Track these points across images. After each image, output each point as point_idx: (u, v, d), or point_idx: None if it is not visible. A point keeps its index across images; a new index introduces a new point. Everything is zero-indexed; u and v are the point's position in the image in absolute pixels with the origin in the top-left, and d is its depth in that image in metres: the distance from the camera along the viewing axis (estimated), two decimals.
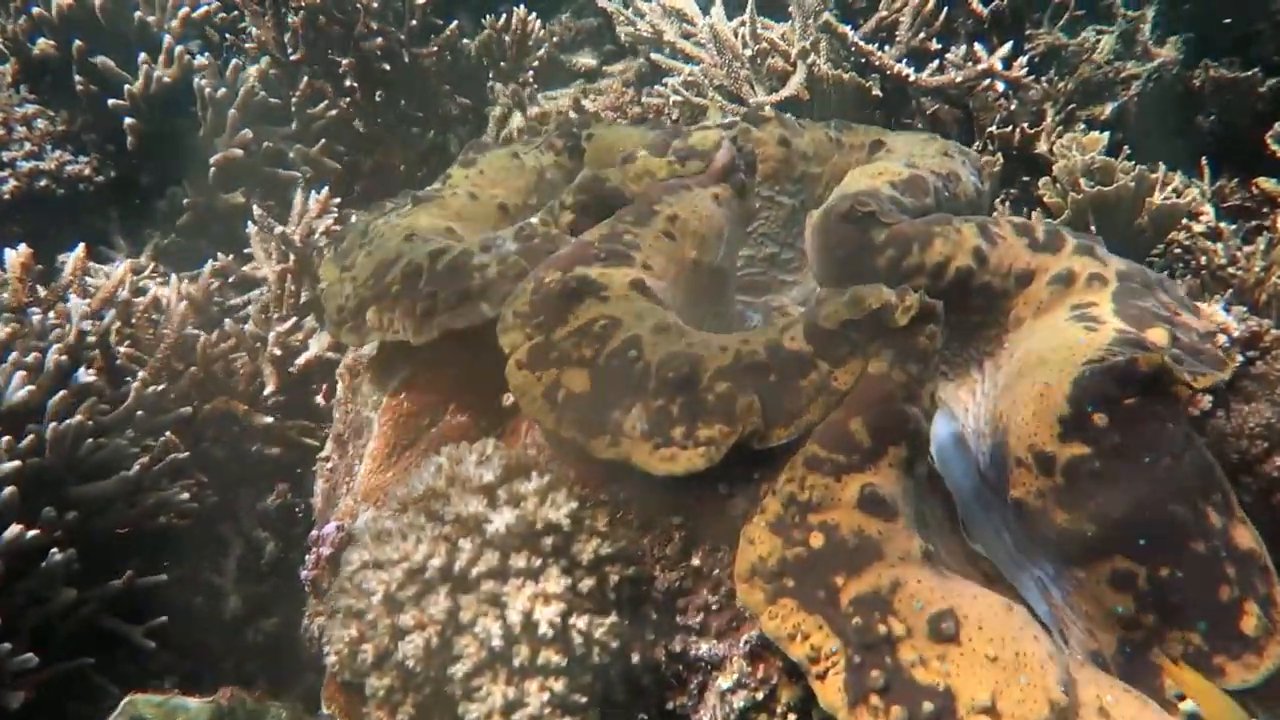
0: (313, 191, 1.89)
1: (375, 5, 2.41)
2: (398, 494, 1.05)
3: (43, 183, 1.88)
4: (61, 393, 1.13)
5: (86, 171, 1.95)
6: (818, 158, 1.48)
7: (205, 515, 1.45)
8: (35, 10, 1.94)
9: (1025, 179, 2.01)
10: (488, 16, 2.73)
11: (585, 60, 2.86)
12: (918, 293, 1.01)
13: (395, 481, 1.21)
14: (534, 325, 1.07)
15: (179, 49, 2.06)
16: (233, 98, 2.13)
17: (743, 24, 2.16)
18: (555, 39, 2.86)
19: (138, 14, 2.05)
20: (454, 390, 1.24)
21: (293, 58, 2.46)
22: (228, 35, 2.49)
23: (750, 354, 1.00)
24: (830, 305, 1.00)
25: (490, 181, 1.49)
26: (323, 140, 2.42)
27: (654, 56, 2.29)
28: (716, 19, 2.20)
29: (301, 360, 1.70)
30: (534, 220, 1.27)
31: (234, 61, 2.19)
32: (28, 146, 1.87)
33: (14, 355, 1.14)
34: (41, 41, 1.98)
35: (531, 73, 2.73)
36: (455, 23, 2.59)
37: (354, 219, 1.65)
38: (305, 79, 2.46)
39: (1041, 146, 1.95)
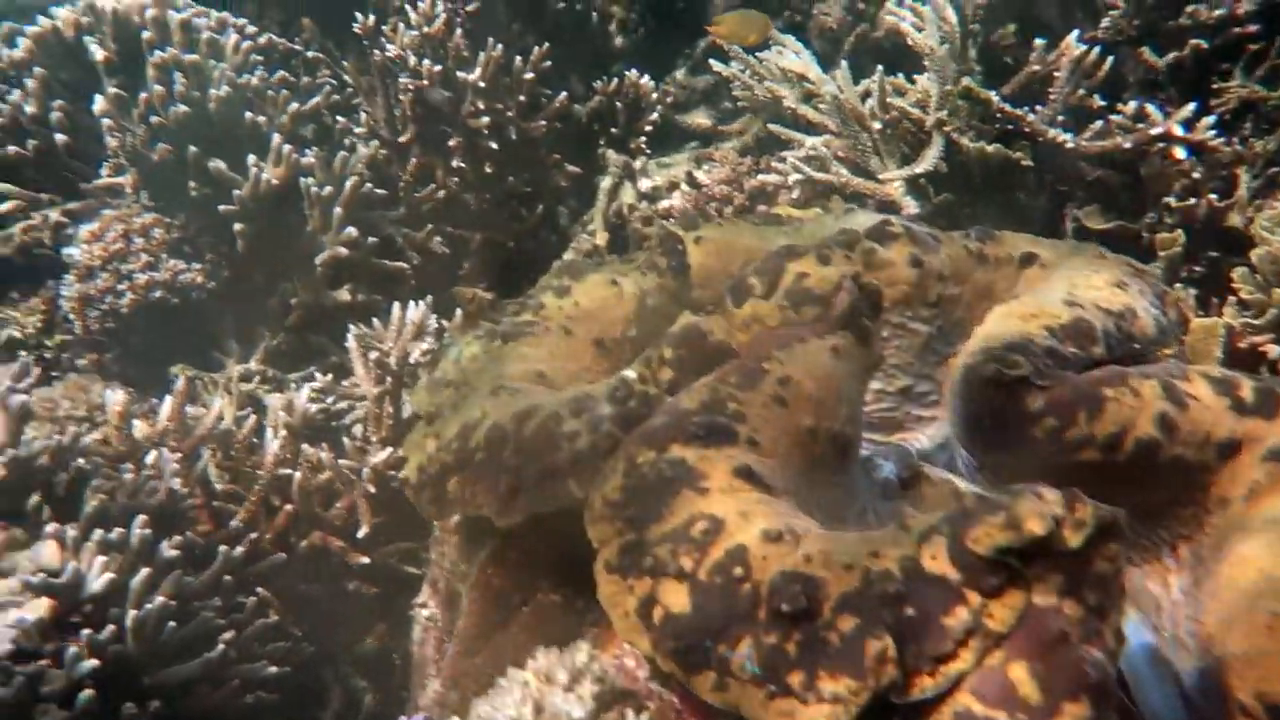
0: (411, 304, 1.84)
1: (483, 85, 2.36)
2: (480, 715, 0.95)
3: (158, 294, 1.91)
4: (145, 572, 1.11)
5: (199, 279, 1.98)
6: (956, 276, 1.30)
7: (301, 664, 1.41)
8: (154, 119, 1.97)
9: (1213, 255, 1.74)
10: (600, 81, 2.64)
11: (700, 120, 2.74)
12: (1091, 503, 0.83)
13: (485, 666, 1.12)
14: (625, 519, 0.95)
15: (287, 148, 2.06)
16: (339, 193, 2.12)
17: (869, 92, 1.98)
18: (669, 99, 2.75)
19: (249, 115, 2.06)
20: (547, 566, 1.14)
21: (401, 139, 2.45)
22: (339, 118, 2.51)
23: (881, 576, 0.84)
24: (981, 526, 0.83)
25: (586, 314, 1.38)
26: (430, 226, 2.40)
27: (772, 127, 2.14)
28: (841, 83, 2.03)
29: (401, 474, 1.65)
30: (630, 374, 1.15)
31: (340, 154, 2.18)
32: (145, 258, 1.90)
33: (97, 534, 1.12)
34: (160, 147, 2.02)
35: (644, 138, 2.63)
36: (564, 95, 2.52)
37: (448, 338, 1.58)
38: (414, 160, 2.45)
39: (1235, 220, 1.68)
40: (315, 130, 2.48)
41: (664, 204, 2.42)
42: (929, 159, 1.88)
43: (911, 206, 1.96)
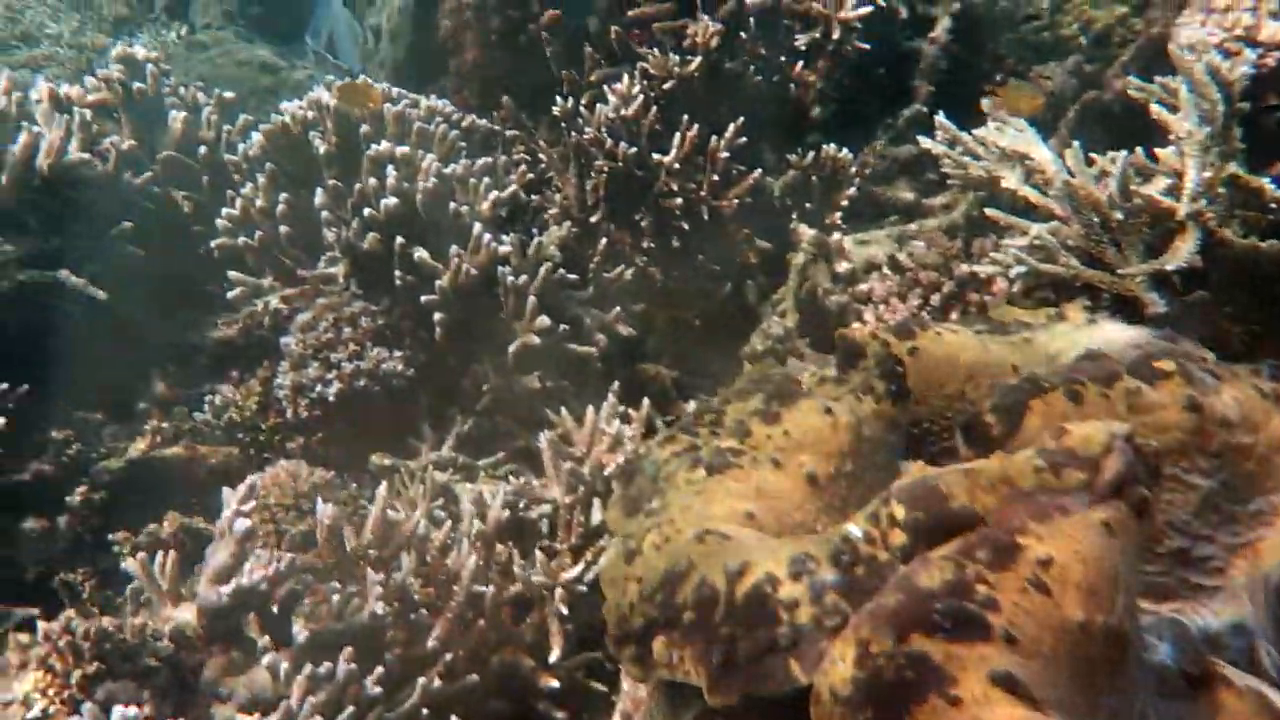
0: (605, 403, 1.80)
1: (677, 166, 2.34)
2: None
3: (362, 382, 1.98)
4: (350, 711, 1.11)
5: (399, 366, 2.03)
6: (1245, 423, 1.11)
7: None
8: (367, 211, 2.06)
9: None
10: (794, 154, 2.56)
11: (902, 194, 2.59)
12: None
13: None
14: None
15: (486, 237, 2.10)
16: (532, 280, 2.14)
17: (1104, 171, 1.78)
18: (868, 170, 2.63)
19: (453, 205, 2.12)
20: None
21: (593, 219, 2.46)
22: (534, 195, 2.55)
23: None
24: None
25: (796, 444, 1.29)
26: (617, 309, 2.38)
27: (990, 212, 1.97)
28: (1073, 166, 1.84)
29: (590, 575, 1.61)
30: (855, 532, 1.04)
31: (536, 241, 2.20)
32: (351, 347, 1.97)
33: (307, 669, 1.13)
34: (371, 237, 2.10)
35: (840, 214, 2.52)
36: (759, 172, 2.46)
37: (644, 450, 1.52)
38: (604, 240, 2.45)
39: None
40: (510, 209, 2.55)
41: (862, 287, 2.30)
42: (1182, 253, 1.66)
43: (1157, 304, 1.74)
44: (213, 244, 2.19)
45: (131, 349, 2.20)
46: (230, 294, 2.17)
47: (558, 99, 2.50)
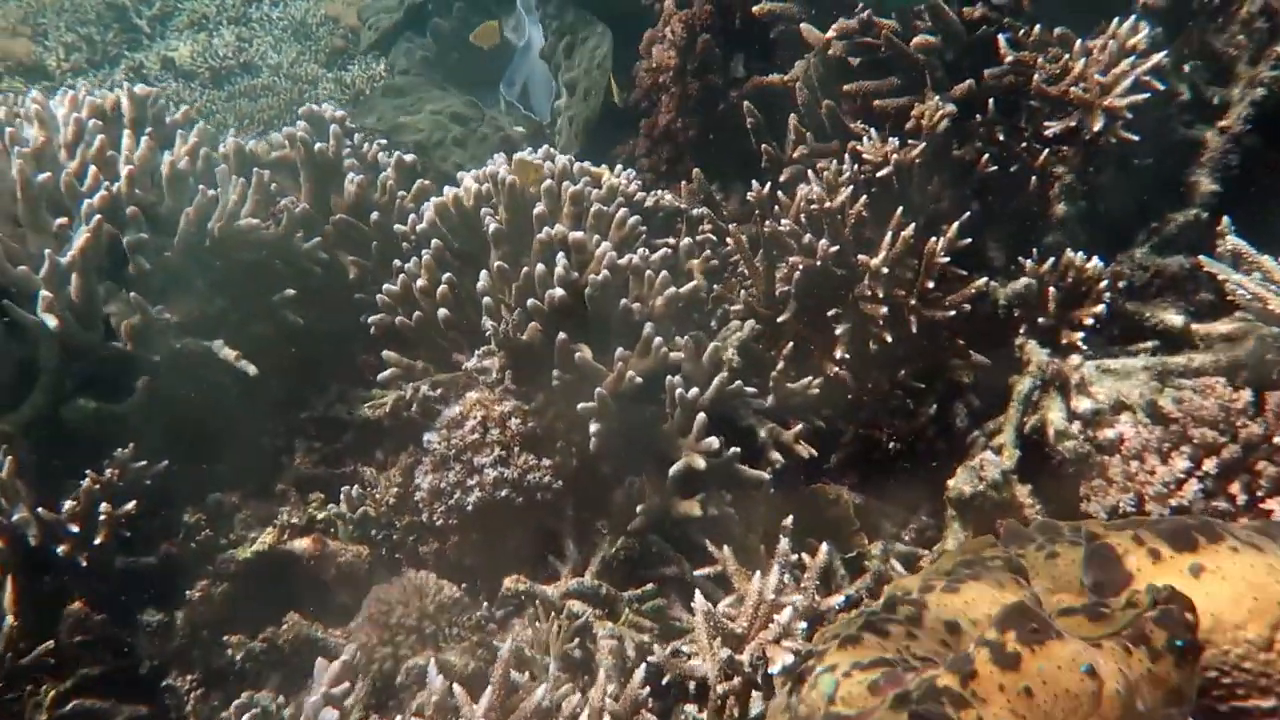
0: (773, 572, 1.54)
1: (885, 270, 2.05)
2: None
3: (504, 493, 1.81)
4: None
5: (547, 478, 1.85)
6: None
7: None
8: (530, 302, 1.90)
9: None
10: (1029, 258, 2.20)
11: (1165, 317, 2.17)
12: None
13: None
14: None
15: (657, 340, 1.89)
16: (704, 391, 1.91)
17: None
18: (1121, 283, 2.22)
19: (624, 302, 1.93)
20: None
21: (780, 318, 2.21)
22: (714, 286, 2.33)
23: None
24: None
25: (1043, 713, 0.97)
26: (800, 426, 2.11)
27: None
28: None
29: None
30: None
31: (713, 346, 1.97)
32: (497, 451, 1.82)
33: None
34: (531, 327, 1.94)
35: (1082, 334, 2.14)
36: (984, 281, 2.13)
37: (819, 647, 1.25)
38: (791, 344, 2.19)
39: None
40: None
41: (1108, 433, 1.91)
42: None
43: None
44: (370, 320, 2.10)
45: (279, 419, 2.15)
46: (381, 376, 2.07)
47: (754, 183, 2.27)
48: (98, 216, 1.77)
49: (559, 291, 1.92)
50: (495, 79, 3.53)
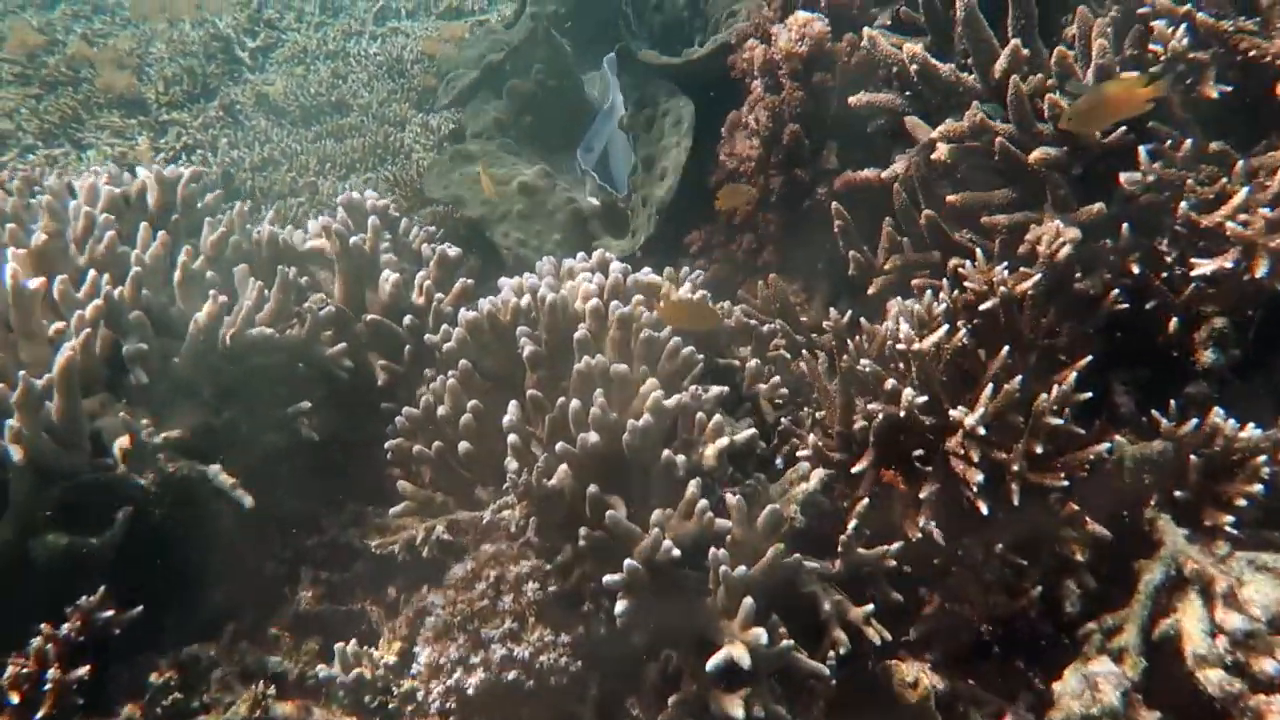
0: None
1: (984, 430, 1.73)
2: None
3: (513, 675, 1.57)
4: None
5: (563, 660, 1.61)
6: None
7: None
8: (559, 445, 1.67)
9: None
10: (1166, 416, 1.85)
11: None
12: None
13: None
14: None
15: (702, 503, 1.63)
16: (754, 564, 1.64)
17: None
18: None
19: (665, 452, 1.68)
20: None
21: (854, 468, 1.91)
22: (783, 420, 2.05)
23: None
24: None
25: None
26: (870, 606, 1.81)
27: None
28: None
29: None
30: None
31: (770, 511, 1.69)
32: (509, 623, 1.59)
33: None
34: (561, 472, 1.71)
35: (1230, 518, 1.77)
36: (1105, 448, 1.79)
37: None
38: (864, 501, 1.89)
39: None
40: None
41: (1266, 668, 1.54)
42: None
43: None
44: (387, 445, 1.90)
45: (285, 543, 1.97)
46: (394, 511, 1.87)
47: (832, 311, 1.99)
48: (86, 331, 1.63)
49: (593, 437, 1.68)
50: (573, 143, 3.34)
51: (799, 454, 1.96)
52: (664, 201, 2.80)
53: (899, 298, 2.22)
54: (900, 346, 1.80)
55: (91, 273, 1.71)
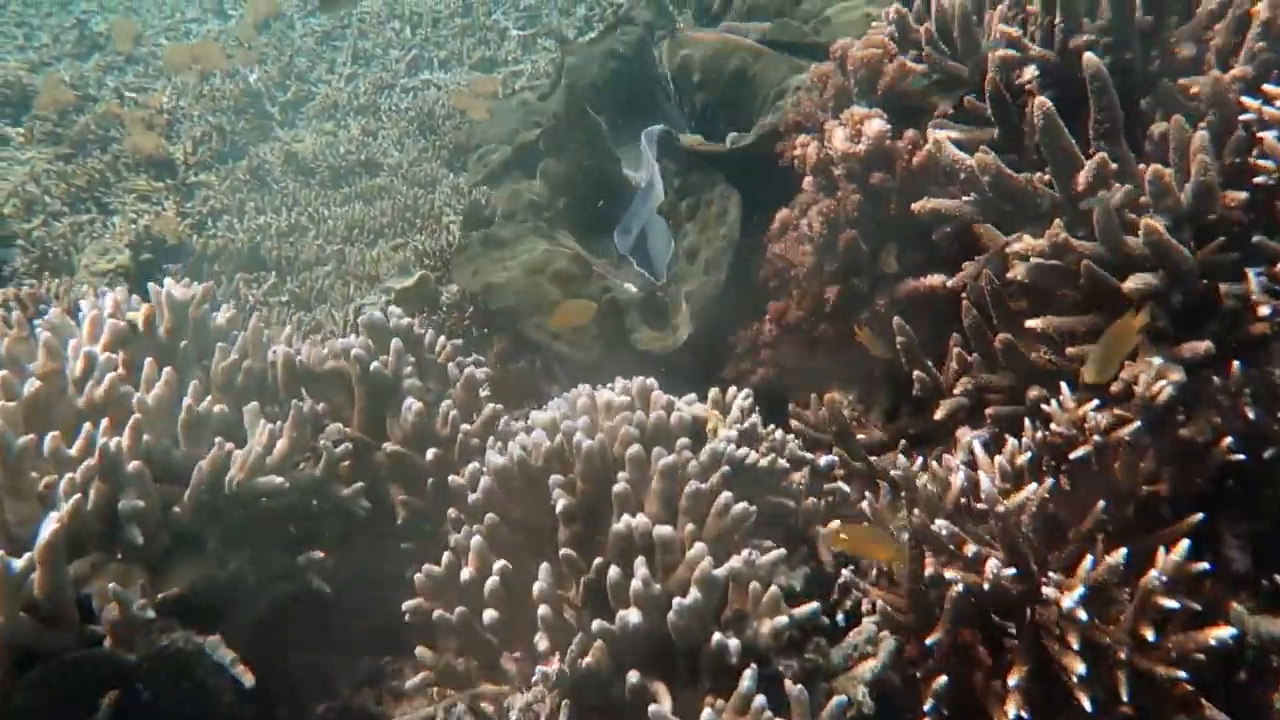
0: None
1: (1080, 615, 1.53)
2: None
3: None
4: None
5: None
6: None
7: None
8: (596, 624, 1.50)
9: None
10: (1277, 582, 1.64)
11: None
12: None
13: None
14: None
15: (758, 701, 1.45)
16: None
17: None
18: None
19: (717, 635, 1.50)
20: None
21: (928, 637, 1.71)
22: (844, 571, 1.86)
23: None
24: None
25: None
26: None
27: None
28: None
29: None
30: None
31: (836, 702, 1.50)
32: None
33: None
34: (596, 650, 1.54)
35: None
36: (1228, 633, 1.58)
37: None
38: (940, 674, 1.69)
39: None
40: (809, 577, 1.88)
41: None
42: None
43: None
44: (405, 607, 1.74)
45: (292, 709, 1.81)
46: (410, 683, 1.70)
47: (901, 460, 1.81)
48: (76, 497, 1.49)
49: (635, 617, 1.50)
50: (609, 225, 3.20)
51: (863, 610, 1.77)
52: (707, 299, 2.64)
53: (968, 428, 2.04)
54: (981, 505, 1.61)
55: (86, 427, 1.57)
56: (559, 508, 1.67)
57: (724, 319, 2.70)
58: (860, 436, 2.28)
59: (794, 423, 2.26)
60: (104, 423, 1.63)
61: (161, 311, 1.91)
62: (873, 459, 2.18)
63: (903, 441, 2.23)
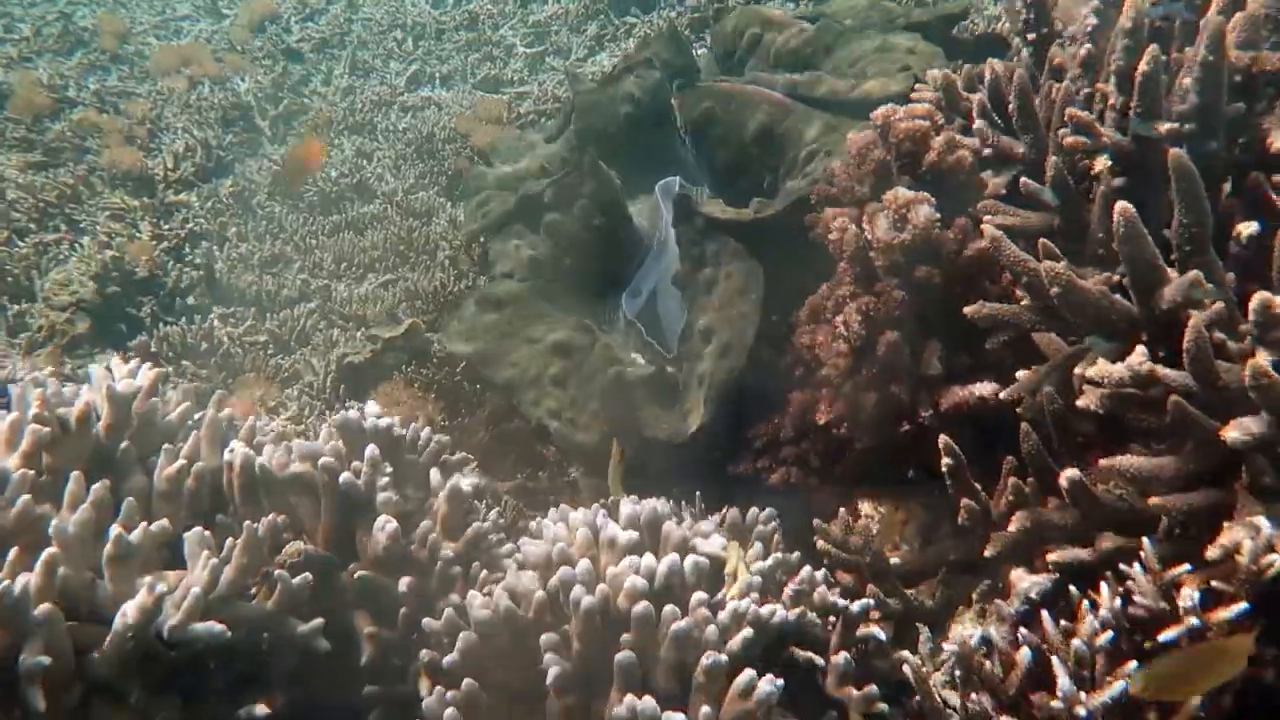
0: None
1: None
2: None
3: None
4: None
5: None
6: None
7: None
8: None
9: None
10: None
11: None
12: None
13: None
14: None
15: None
16: None
17: None
18: None
19: None
20: None
21: None
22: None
23: None
24: None
25: None
26: None
27: None
28: None
29: None
30: None
31: None
32: None
33: None
34: None
35: None
36: None
37: None
38: None
39: None
40: None
41: None
42: None
43: None
44: None
45: None
46: None
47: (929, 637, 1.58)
48: None
49: None
50: (618, 286, 2.97)
51: None
52: (724, 385, 2.41)
53: (1024, 570, 1.81)
54: (1058, 705, 1.37)
55: None
56: (551, 676, 1.44)
57: (740, 406, 2.47)
58: (894, 560, 2.05)
59: (820, 543, 2.02)
60: (11, 554, 1.39)
61: (99, 406, 1.67)
62: (909, 591, 1.96)
63: (942, 570, 2.01)
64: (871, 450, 2.19)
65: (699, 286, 2.56)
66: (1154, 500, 1.60)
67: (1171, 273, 1.68)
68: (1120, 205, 1.66)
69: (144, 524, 1.49)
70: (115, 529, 1.45)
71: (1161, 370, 1.59)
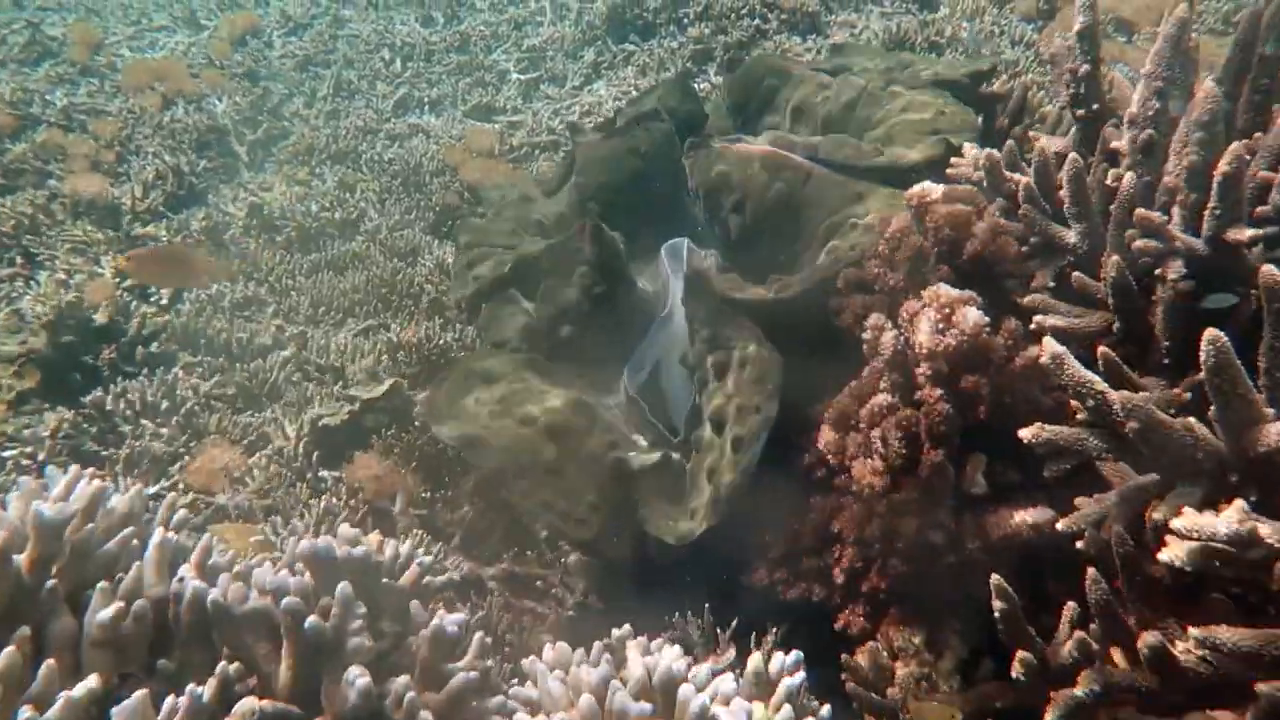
0: None
1: None
2: None
3: None
4: None
5: None
6: None
7: None
8: None
9: None
10: None
11: None
12: None
13: None
14: None
15: None
16: None
17: None
18: None
19: None
20: None
21: None
22: None
23: None
24: None
25: None
26: None
27: None
28: None
29: None
30: None
31: None
32: None
33: None
34: None
35: None
36: None
37: None
38: None
39: None
40: None
41: None
42: None
43: None
44: None
45: None
46: None
47: None
48: None
49: None
50: (620, 358, 2.77)
51: None
52: (735, 486, 2.20)
53: None
54: None
55: None
56: None
57: (751, 509, 2.27)
58: (932, 703, 1.85)
59: (849, 684, 1.82)
60: None
61: (22, 537, 1.45)
62: None
63: None
64: (906, 582, 1.99)
65: (709, 371, 2.37)
66: (1262, 687, 1.40)
67: (1269, 410, 1.49)
68: (1210, 333, 1.47)
69: (64, 694, 1.27)
70: (24, 715, 1.23)
71: (1266, 530, 1.40)
